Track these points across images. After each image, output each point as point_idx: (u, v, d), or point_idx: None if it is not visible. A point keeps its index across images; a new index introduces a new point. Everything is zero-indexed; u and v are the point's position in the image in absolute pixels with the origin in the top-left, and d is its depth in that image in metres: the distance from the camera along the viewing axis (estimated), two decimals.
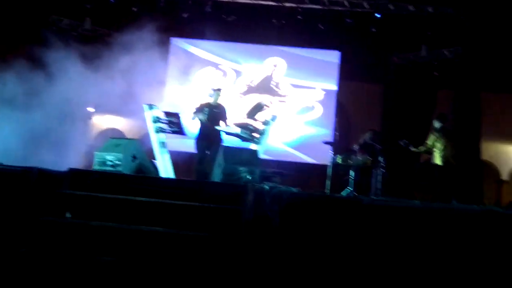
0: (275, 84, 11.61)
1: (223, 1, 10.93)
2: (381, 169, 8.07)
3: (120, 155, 5.85)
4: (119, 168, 5.79)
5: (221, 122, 7.14)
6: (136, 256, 3.62)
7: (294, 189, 4.37)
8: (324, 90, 11.45)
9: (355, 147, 8.86)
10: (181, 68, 11.32)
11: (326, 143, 8.67)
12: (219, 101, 7.33)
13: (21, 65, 8.52)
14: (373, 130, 9.13)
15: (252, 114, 7.31)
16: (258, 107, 7.33)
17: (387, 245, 3.90)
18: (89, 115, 9.56)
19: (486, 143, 11.72)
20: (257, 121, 7.33)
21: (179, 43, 11.70)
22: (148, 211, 4.10)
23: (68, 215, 4.02)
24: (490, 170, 13.03)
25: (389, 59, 11.55)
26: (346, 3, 10.85)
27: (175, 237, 3.79)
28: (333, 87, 11.44)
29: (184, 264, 3.60)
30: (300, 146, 11.39)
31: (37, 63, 8.23)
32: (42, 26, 10.74)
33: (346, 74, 11.48)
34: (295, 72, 11.57)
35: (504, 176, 13.33)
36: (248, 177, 5.36)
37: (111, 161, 5.81)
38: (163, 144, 7.04)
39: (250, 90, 11.60)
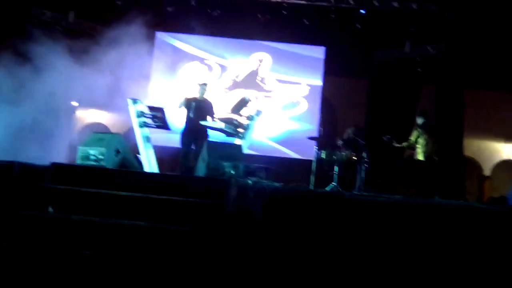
0: (260, 79, 11.62)
1: None
2: (365, 164, 8.15)
3: (103, 150, 5.81)
4: (102, 163, 5.76)
5: (208, 117, 7.15)
6: (117, 250, 3.63)
7: (277, 184, 4.41)
8: (309, 85, 11.50)
9: (339, 142, 8.93)
10: (166, 63, 11.26)
11: (311, 138, 8.72)
12: (205, 96, 7.34)
13: (3, 58, 8.42)
14: (356, 125, 9.21)
15: (236, 109, 7.32)
16: (243, 102, 7.34)
17: (368, 239, 3.96)
18: (73, 109, 9.45)
19: (468, 139, 11.90)
20: (241, 116, 7.34)
21: (164, 37, 11.63)
22: (131, 205, 4.10)
23: (50, 209, 4.00)
24: (473, 166, 13.23)
25: (373, 55, 11.63)
26: None
27: (157, 231, 3.80)
28: (318, 82, 11.49)
29: (166, 257, 3.61)
30: (285, 141, 11.43)
31: (19, 57, 8.12)
32: (24, 19, 10.60)
33: (331, 70, 11.54)
34: (280, 67, 11.59)
35: (487, 172, 13.54)
36: (232, 172, 5.37)
37: (94, 155, 5.78)
38: (147, 139, 7.02)
39: (236, 85, 11.60)
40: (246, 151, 7.16)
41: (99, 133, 6.53)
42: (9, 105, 7.11)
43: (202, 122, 7.03)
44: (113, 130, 11.16)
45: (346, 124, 9.83)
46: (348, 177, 8.63)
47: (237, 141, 7.24)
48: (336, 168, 8.15)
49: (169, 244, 3.71)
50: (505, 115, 12.46)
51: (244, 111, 7.40)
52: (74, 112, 9.44)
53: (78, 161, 5.82)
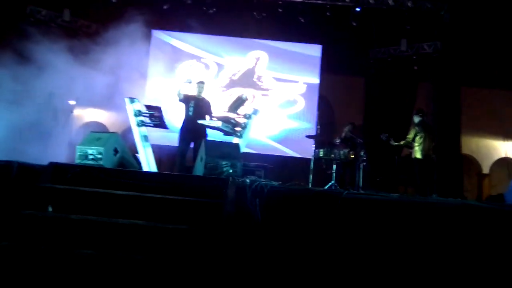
0: (257, 77, 11.64)
1: None
2: (362, 162, 8.18)
3: (101, 149, 5.82)
4: (100, 162, 5.76)
5: (206, 116, 7.15)
6: (116, 249, 3.64)
7: (275, 183, 4.42)
8: (306, 83, 11.52)
9: (337, 140, 8.96)
10: (163, 61, 11.26)
11: (309, 137, 8.74)
12: (203, 95, 7.34)
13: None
14: (352, 123, 9.25)
15: (233, 107, 7.32)
16: (240, 101, 7.34)
17: (365, 237, 3.97)
18: (70, 108, 9.44)
19: (467, 138, 11.97)
20: (239, 115, 7.34)
21: (160, 36, 11.63)
22: (129, 204, 4.10)
23: (49, 208, 4.01)
24: (471, 164, 13.29)
25: (370, 52, 11.65)
26: None
27: (156, 230, 3.81)
28: (315, 80, 11.51)
29: (164, 256, 3.62)
30: (283, 139, 11.46)
31: (15, 56, 8.11)
32: (19, 18, 10.57)
33: (328, 68, 11.57)
34: (277, 65, 11.61)
35: (485, 169, 13.59)
36: (230, 171, 5.38)
37: (92, 154, 5.78)
38: (145, 138, 7.02)
39: (233, 83, 11.61)
40: (244, 149, 7.17)
41: (97, 132, 6.53)
42: (6, 104, 7.09)
43: (200, 121, 7.03)
44: (111, 129, 11.15)
45: (344, 122, 9.87)
46: (348, 176, 8.67)
47: (234, 140, 7.24)
48: (334, 167, 8.18)
49: (167, 243, 3.72)
50: (503, 113, 12.51)
51: (241, 110, 7.40)
52: (71, 111, 9.41)
53: (77, 161, 5.82)
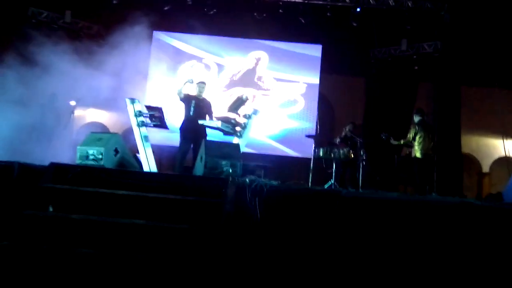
0: (258, 77, 11.67)
1: None
2: (362, 162, 8.20)
3: (102, 149, 5.84)
4: (101, 162, 5.79)
5: (206, 116, 7.18)
6: (117, 248, 3.67)
7: (274, 182, 4.44)
8: (306, 83, 11.55)
9: (337, 140, 8.99)
10: (164, 62, 11.32)
11: (308, 136, 8.78)
12: (204, 95, 7.36)
13: (1, 59, 8.45)
14: (353, 122, 9.27)
15: (234, 108, 7.36)
16: (240, 101, 7.38)
17: (364, 236, 3.99)
18: (71, 109, 9.49)
19: (467, 137, 11.98)
20: (239, 115, 7.38)
21: (161, 37, 11.67)
22: (130, 204, 4.13)
23: (50, 208, 4.04)
24: (472, 163, 13.29)
25: (370, 52, 11.67)
26: None
27: (156, 230, 3.84)
28: (315, 80, 11.54)
29: (165, 255, 3.65)
30: (283, 139, 11.48)
31: (17, 57, 8.15)
32: (21, 19, 10.63)
33: (328, 68, 11.60)
34: (277, 65, 11.65)
35: (485, 168, 13.59)
36: (230, 170, 5.40)
37: (93, 155, 5.81)
38: (146, 138, 7.05)
39: (233, 83, 11.64)
40: (244, 149, 7.20)
41: (97, 133, 6.56)
42: (9, 105, 7.13)
43: (200, 121, 7.06)
44: (112, 130, 11.20)
45: (344, 121, 9.89)
46: (348, 175, 8.69)
47: (234, 140, 7.27)
48: (334, 166, 8.21)
49: (168, 243, 3.75)
50: (503, 112, 12.49)
51: (242, 110, 7.43)
52: (73, 112, 9.46)
53: (78, 161, 5.85)
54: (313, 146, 8.34)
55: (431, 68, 11.09)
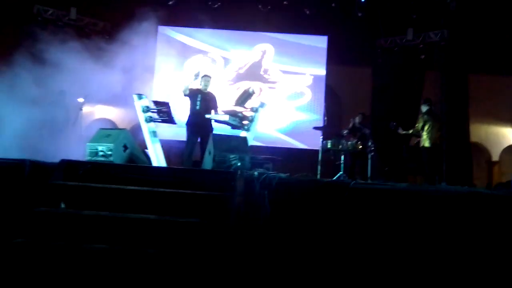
0: (264, 70, 11.66)
1: None
2: (371, 153, 8.19)
3: (111, 145, 5.89)
4: (110, 158, 5.84)
5: (212, 111, 7.20)
6: (129, 243, 3.71)
7: (283, 175, 4.47)
8: (313, 75, 11.52)
9: (345, 131, 8.97)
10: (170, 57, 11.33)
11: (316, 128, 8.76)
12: (209, 89, 7.36)
13: (8, 56, 8.50)
14: (362, 113, 9.23)
15: (240, 101, 7.37)
16: (246, 94, 7.39)
17: (374, 227, 4.00)
18: (79, 106, 9.55)
19: (476, 125, 11.90)
20: (246, 109, 7.39)
21: (166, 31, 11.67)
22: (140, 199, 4.17)
23: (62, 205, 4.09)
24: (481, 151, 13.21)
25: (376, 42, 11.61)
26: None
27: (166, 224, 3.87)
28: (322, 72, 11.51)
29: (176, 249, 3.69)
30: (291, 132, 11.48)
31: (24, 55, 8.20)
32: (27, 17, 10.69)
33: (334, 59, 11.54)
34: (283, 58, 11.62)
35: (495, 157, 13.49)
36: (238, 164, 5.44)
37: (102, 151, 5.86)
38: (154, 134, 7.08)
39: (240, 77, 11.64)
40: (252, 143, 7.22)
41: (106, 129, 6.61)
42: (19, 103, 7.19)
43: (208, 115, 7.08)
44: (120, 125, 11.24)
45: (351, 112, 9.85)
46: (358, 166, 8.67)
47: (242, 133, 7.29)
48: (342, 158, 8.20)
49: (178, 236, 3.79)
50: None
51: (249, 103, 7.44)
52: (81, 109, 9.52)
53: (87, 157, 5.91)
54: (321, 138, 8.33)
55: (438, 57, 11.01)
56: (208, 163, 5.94)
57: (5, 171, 4.31)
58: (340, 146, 8.14)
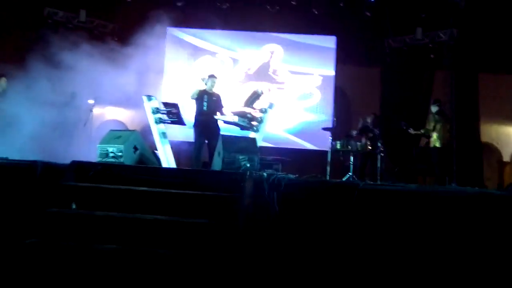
0: (272, 71, 11.66)
1: None
2: (380, 153, 8.17)
3: (121, 147, 5.94)
4: (121, 159, 5.89)
5: (219, 113, 7.23)
6: (140, 243, 3.74)
7: (292, 176, 4.47)
8: (322, 75, 11.50)
9: (354, 132, 8.96)
10: (179, 58, 11.38)
11: (325, 129, 8.77)
12: (214, 89, 7.39)
13: (19, 59, 8.59)
14: (375, 114, 9.21)
15: (249, 102, 7.38)
16: (255, 95, 7.40)
17: (383, 228, 3.99)
18: (90, 107, 9.63)
19: (487, 125, 11.78)
20: (255, 109, 7.41)
21: (175, 33, 11.71)
22: (150, 200, 4.21)
23: (73, 206, 4.14)
24: (492, 152, 13.08)
25: (385, 42, 11.57)
26: None
27: (176, 225, 3.90)
28: (331, 72, 11.49)
29: (186, 249, 3.71)
30: (300, 132, 11.46)
31: (36, 57, 8.27)
32: (38, 20, 10.79)
33: (343, 59, 11.50)
34: (292, 58, 11.60)
35: (506, 157, 13.36)
36: (248, 165, 5.45)
37: (113, 152, 5.91)
38: (163, 135, 7.13)
39: (248, 78, 11.65)
40: (260, 143, 7.23)
41: (116, 130, 6.66)
42: (33, 105, 7.27)
43: (217, 117, 7.11)
44: (130, 127, 11.31)
45: (360, 113, 9.84)
46: (369, 167, 8.66)
47: (251, 134, 7.31)
48: (351, 159, 8.19)
49: (188, 237, 3.81)
50: None
51: (257, 104, 7.46)
52: (91, 110, 9.59)
53: (98, 159, 5.96)
54: (330, 138, 8.32)
55: (447, 56, 10.94)
56: (217, 164, 5.96)
57: (17, 172, 4.36)
58: (349, 147, 8.14)
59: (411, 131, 8.42)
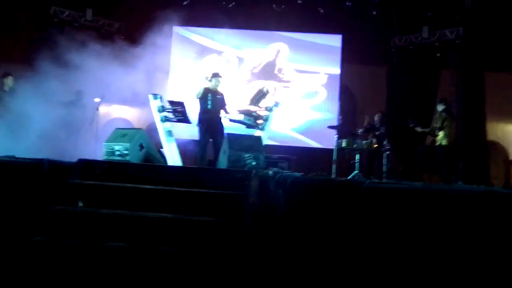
0: (278, 69, 11.66)
1: None
2: (386, 151, 8.16)
3: (127, 145, 5.97)
4: (127, 158, 5.92)
5: (222, 111, 7.24)
6: (146, 241, 3.76)
7: (297, 174, 4.47)
8: (327, 74, 11.49)
9: (360, 130, 8.95)
10: (184, 57, 11.40)
11: (331, 127, 8.76)
12: (219, 88, 7.40)
13: (25, 58, 8.64)
14: (382, 112, 9.20)
15: (255, 100, 7.40)
16: (261, 94, 7.42)
17: (389, 226, 3.99)
18: (96, 106, 9.67)
19: (492, 124, 11.72)
20: (260, 108, 7.42)
21: (181, 31, 11.74)
22: (156, 198, 4.22)
23: (80, 204, 4.16)
24: (498, 150, 13.01)
25: (391, 41, 11.53)
26: None
27: (182, 223, 3.91)
28: (336, 71, 11.48)
29: (191, 247, 3.72)
30: (306, 131, 11.47)
31: (43, 56, 8.32)
32: (44, 19, 10.85)
33: (349, 57, 11.49)
34: (298, 57, 11.61)
35: None
36: (253, 163, 5.47)
37: (119, 150, 5.94)
38: (169, 133, 7.15)
39: (254, 76, 11.66)
40: (266, 142, 7.24)
41: (122, 129, 6.69)
42: (37, 104, 7.31)
43: (223, 115, 7.13)
44: (136, 125, 11.34)
45: (366, 111, 9.82)
46: (375, 165, 8.65)
47: (257, 132, 7.32)
48: (357, 157, 8.18)
49: (194, 235, 3.82)
50: None
51: (263, 103, 7.47)
52: (97, 109, 9.63)
53: (104, 157, 5.99)
54: (336, 137, 8.32)
55: (454, 55, 10.89)
56: (223, 162, 5.98)
57: (24, 170, 4.38)
58: (355, 145, 8.14)
59: (418, 129, 8.40)
